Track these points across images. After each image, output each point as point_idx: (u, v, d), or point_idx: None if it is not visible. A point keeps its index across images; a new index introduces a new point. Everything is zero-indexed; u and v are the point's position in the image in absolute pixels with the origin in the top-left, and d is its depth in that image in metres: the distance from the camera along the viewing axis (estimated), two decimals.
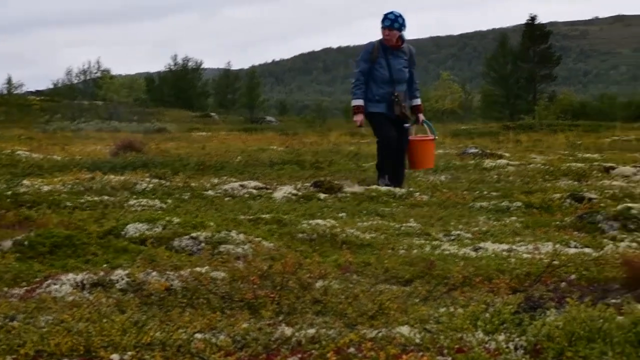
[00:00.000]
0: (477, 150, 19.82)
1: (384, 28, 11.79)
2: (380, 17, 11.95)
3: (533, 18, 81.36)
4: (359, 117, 11.87)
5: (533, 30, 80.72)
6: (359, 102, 11.78)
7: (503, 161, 16.88)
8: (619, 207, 9.48)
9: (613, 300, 5.45)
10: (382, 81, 11.76)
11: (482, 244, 7.71)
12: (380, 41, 11.82)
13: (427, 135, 12.58)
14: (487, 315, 4.61)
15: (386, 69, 11.75)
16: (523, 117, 57.02)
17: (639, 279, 5.89)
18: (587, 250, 7.54)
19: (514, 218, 9.73)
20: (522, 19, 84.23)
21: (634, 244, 7.78)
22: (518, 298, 5.18)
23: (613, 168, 15.17)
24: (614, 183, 13.20)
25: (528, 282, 5.97)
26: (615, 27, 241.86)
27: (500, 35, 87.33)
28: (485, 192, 11.93)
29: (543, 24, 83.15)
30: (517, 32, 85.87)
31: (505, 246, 7.62)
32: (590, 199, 10.89)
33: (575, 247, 7.76)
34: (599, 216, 9.27)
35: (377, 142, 12.11)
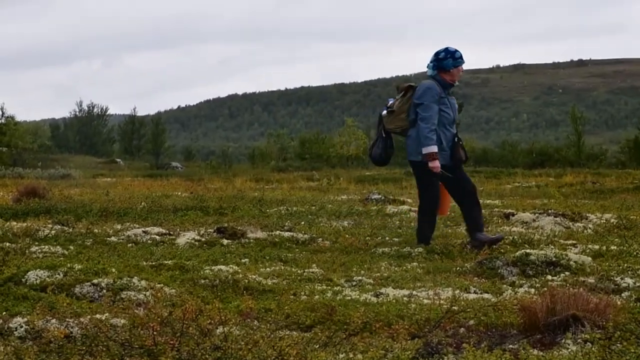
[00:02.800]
0: (380, 196, 19.98)
1: (456, 66, 10.88)
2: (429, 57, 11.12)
3: None
4: (437, 164, 10.64)
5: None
6: (435, 148, 10.61)
7: (405, 207, 17.04)
8: (518, 253, 9.66)
9: (510, 346, 5.55)
10: (449, 123, 10.86)
11: (383, 290, 7.78)
12: (437, 80, 10.88)
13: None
14: None
15: (450, 109, 10.89)
16: None
17: (536, 324, 6.00)
18: (486, 295, 7.67)
19: (415, 264, 9.83)
20: (425, 67, 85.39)
21: (532, 290, 7.92)
22: (417, 344, 5.23)
23: (513, 214, 15.41)
24: (514, 229, 13.43)
25: (427, 328, 6.03)
26: (516, 75, 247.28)
27: (400, 83, 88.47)
28: (387, 238, 12.04)
29: None
30: (420, 79, 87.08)
31: (406, 292, 7.71)
32: (490, 245, 11.06)
33: (475, 292, 7.88)
34: (499, 262, 9.42)
35: (424, 202, 11.06)
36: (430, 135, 10.63)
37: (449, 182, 10.97)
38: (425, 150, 10.66)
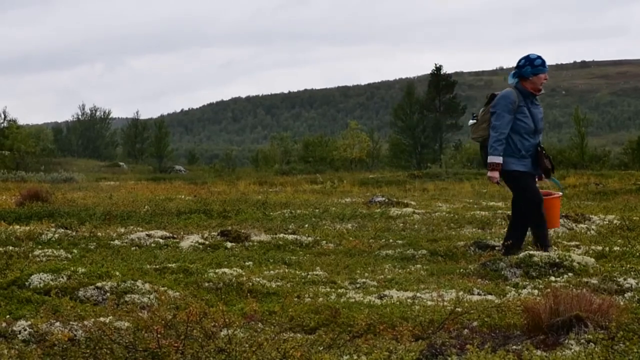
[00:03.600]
0: (383, 198, 19.99)
1: (536, 74, 10.47)
2: (511, 67, 10.80)
3: (439, 68, 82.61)
4: (496, 174, 10.35)
5: (439, 80, 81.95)
6: (500, 159, 10.30)
7: (409, 209, 17.05)
8: (522, 254, 9.67)
9: (514, 347, 5.56)
10: (527, 132, 10.43)
11: (387, 292, 7.80)
12: (518, 89, 10.49)
13: (555, 192, 11.34)
14: None
15: (530, 118, 10.45)
16: (430, 166, 57.70)
17: (540, 325, 6.00)
18: (489, 297, 7.67)
19: (419, 266, 9.85)
20: (429, 69, 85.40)
21: (536, 291, 7.93)
22: (420, 345, 5.24)
23: None
24: None
25: (431, 329, 6.04)
26: None
27: (407, 85, 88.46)
28: (391, 240, 12.05)
29: (448, 74, 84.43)
30: (424, 82, 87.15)
31: (409, 294, 7.72)
32: (493, 247, 11.08)
33: (479, 294, 7.89)
34: (502, 264, 9.43)
35: (524, 207, 10.56)
36: (496, 145, 10.30)
37: (514, 190, 10.63)
38: (489, 160, 10.33)
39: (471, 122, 10.84)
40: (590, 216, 15.22)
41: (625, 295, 7.69)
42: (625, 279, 8.38)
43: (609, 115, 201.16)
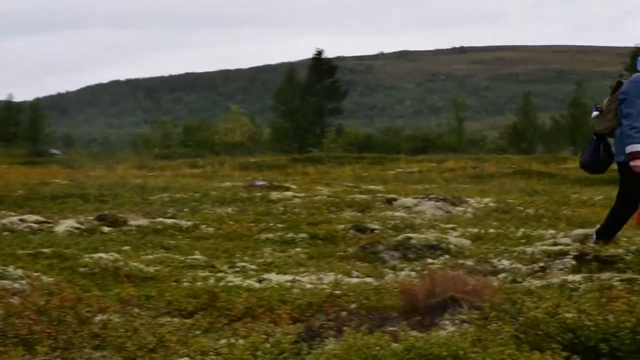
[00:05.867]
0: (264, 182, 19.99)
1: None
2: None
3: (320, 52, 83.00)
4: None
5: (320, 65, 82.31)
6: (639, 147, 9.24)
7: (290, 193, 17.08)
8: (400, 237, 9.78)
9: (390, 328, 5.60)
10: None
11: (266, 275, 7.79)
12: None
13: None
14: (268, 345, 4.65)
15: None
16: (311, 150, 57.96)
17: (416, 307, 6.07)
18: (368, 279, 7.73)
19: (298, 249, 9.87)
20: (311, 54, 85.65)
21: (413, 273, 8.02)
22: (298, 328, 5.25)
23: (395, 199, 15.60)
24: (396, 214, 13.59)
25: (310, 312, 6.05)
26: (400, 62, 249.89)
27: (289, 69, 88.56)
28: (271, 224, 12.04)
29: (330, 59, 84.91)
30: (305, 66, 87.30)
31: (289, 277, 7.72)
32: (372, 230, 11.19)
33: (357, 276, 7.94)
34: (381, 246, 9.52)
35: (626, 204, 9.59)
36: (633, 133, 9.27)
37: (629, 183, 9.52)
38: (628, 149, 9.27)
39: (595, 113, 9.89)
40: (467, 199, 15.51)
41: (499, 276, 7.84)
42: (499, 260, 8.56)
43: (486, 100, 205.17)
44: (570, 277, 7.39)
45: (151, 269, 7.98)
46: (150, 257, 8.91)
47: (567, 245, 9.50)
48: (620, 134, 9.41)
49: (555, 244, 9.59)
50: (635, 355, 4.37)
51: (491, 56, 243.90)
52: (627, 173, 9.34)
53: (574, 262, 8.36)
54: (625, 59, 70.25)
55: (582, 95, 70.86)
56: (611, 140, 9.92)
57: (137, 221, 11.98)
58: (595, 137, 9.72)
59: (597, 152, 9.72)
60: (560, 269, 8.22)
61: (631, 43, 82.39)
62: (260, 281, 7.54)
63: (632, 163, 9.24)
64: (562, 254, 8.79)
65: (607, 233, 9.49)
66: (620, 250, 8.66)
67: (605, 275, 7.42)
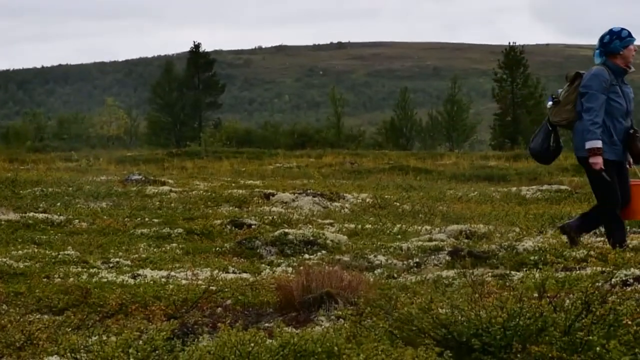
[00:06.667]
0: (140, 177, 19.71)
1: (625, 46, 9.51)
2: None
3: (197, 46, 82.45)
4: (599, 160, 9.24)
5: (198, 58, 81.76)
6: (600, 143, 9.25)
7: (166, 188, 16.89)
8: (277, 232, 9.80)
9: (266, 324, 5.59)
10: (620, 115, 9.50)
11: (141, 271, 7.70)
12: (608, 66, 9.52)
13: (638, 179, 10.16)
14: (140, 342, 4.57)
15: (623, 98, 9.52)
16: (189, 144, 57.53)
17: (292, 302, 6.08)
18: (244, 275, 7.71)
19: (174, 244, 9.77)
20: (188, 47, 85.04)
21: (290, 269, 8.02)
22: (172, 324, 5.18)
23: (273, 195, 15.59)
24: (274, 209, 13.57)
25: (185, 309, 6.00)
26: (278, 56, 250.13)
27: (166, 62, 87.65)
28: (147, 219, 11.88)
29: (208, 52, 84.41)
30: (183, 60, 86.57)
31: (164, 273, 7.64)
32: (249, 225, 11.15)
33: (234, 272, 7.91)
34: (258, 242, 9.52)
35: (601, 206, 9.48)
36: (594, 129, 9.29)
37: (595, 181, 9.49)
38: (588, 145, 9.26)
39: (550, 103, 9.81)
40: (345, 195, 15.59)
41: (375, 271, 7.91)
42: (375, 256, 8.62)
43: (365, 95, 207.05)
44: (445, 273, 7.50)
45: (21, 265, 7.80)
46: (20, 252, 8.69)
47: (442, 241, 9.65)
48: (580, 129, 9.38)
49: (430, 240, 9.72)
50: (505, 350, 4.44)
51: (369, 52, 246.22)
52: (587, 168, 9.37)
53: (448, 258, 8.50)
54: (499, 57, 71.89)
55: (457, 92, 72.12)
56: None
57: (7, 216, 11.67)
58: (549, 126, 9.71)
59: (548, 142, 9.70)
60: (435, 265, 8.34)
61: (504, 41, 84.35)
62: (134, 277, 7.44)
63: (591, 160, 9.24)
64: (437, 249, 8.93)
65: (613, 234, 9.26)
66: (493, 246, 8.84)
67: (478, 271, 7.56)
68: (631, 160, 9.65)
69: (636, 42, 9.67)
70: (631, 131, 9.45)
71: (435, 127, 73.31)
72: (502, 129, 67.82)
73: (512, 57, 69.71)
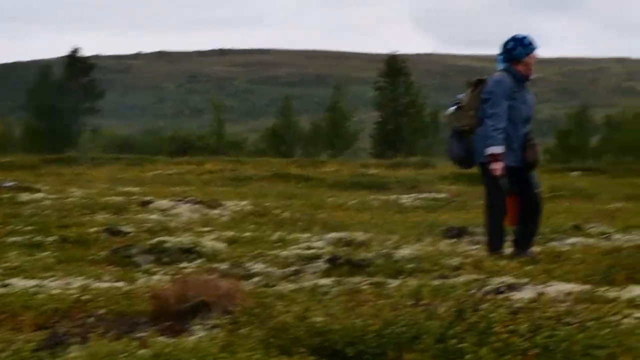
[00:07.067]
0: (13, 183, 19.27)
1: (528, 53, 9.57)
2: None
3: (75, 50, 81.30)
4: (499, 166, 9.26)
5: (76, 63, 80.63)
6: (501, 149, 9.28)
7: (40, 195, 16.54)
8: (154, 240, 9.68)
9: (140, 334, 5.49)
10: (521, 121, 9.55)
11: (11, 280, 7.48)
12: (511, 73, 9.57)
13: None
14: (8, 354, 4.45)
15: (524, 104, 9.57)
16: (66, 150, 56.61)
17: (168, 311, 5.99)
18: (119, 284, 7.56)
19: (47, 252, 9.54)
20: (66, 51, 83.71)
21: (167, 277, 7.91)
22: (42, 335, 5.07)
23: (151, 202, 15.41)
24: (151, 217, 13.42)
25: (55, 318, 5.86)
26: (159, 62, 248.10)
27: (43, 67, 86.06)
28: (19, 227, 11.58)
29: (86, 57, 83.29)
30: (61, 64, 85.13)
31: (35, 282, 7.45)
32: (126, 233, 10.99)
33: (108, 281, 7.76)
34: (134, 250, 9.39)
35: (490, 205, 9.52)
36: (496, 134, 9.32)
37: (489, 185, 9.53)
38: (489, 150, 9.32)
39: (452, 109, 9.79)
40: (225, 202, 15.53)
41: (253, 279, 7.87)
42: (253, 264, 8.59)
43: (248, 102, 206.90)
44: (322, 281, 7.49)
45: None
46: None
47: (321, 248, 9.66)
48: (482, 134, 9.43)
49: (309, 248, 9.72)
50: (380, 358, 4.45)
51: (252, 59, 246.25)
52: (485, 174, 9.44)
53: (326, 266, 8.50)
54: (379, 65, 72.76)
55: (340, 100, 72.54)
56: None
57: None
58: (456, 133, 9.69)
59: (465, 145, 9.66)
60: (313, 273, 8.33)
61: (387, 49, 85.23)
62: (4, 286, 7.23)
63: (493, 165, 9.30)
64: (316, 257, 8.93)
65: (492, 243, 9.37)
66: (371, 254, 8.88)
67: (355, 279, 7.58)
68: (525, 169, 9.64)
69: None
70: (528, 137, 9.55)
71: (318, 134, 73.69)
72: (382, 137, 68.66)
73: (393, 65, 70.70)
